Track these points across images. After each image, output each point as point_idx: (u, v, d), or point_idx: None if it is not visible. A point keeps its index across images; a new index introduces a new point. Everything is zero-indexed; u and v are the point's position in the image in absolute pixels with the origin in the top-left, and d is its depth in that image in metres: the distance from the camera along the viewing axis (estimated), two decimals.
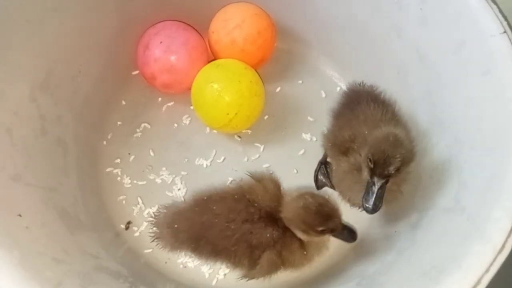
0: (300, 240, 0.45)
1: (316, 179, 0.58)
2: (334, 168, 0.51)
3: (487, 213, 0.38)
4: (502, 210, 0.38)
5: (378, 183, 0.43)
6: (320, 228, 0.42)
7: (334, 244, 0.54)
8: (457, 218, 0.42)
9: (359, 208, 0.49)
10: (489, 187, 0.40)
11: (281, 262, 0.45)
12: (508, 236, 0.36)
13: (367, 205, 0.43)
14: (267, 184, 0.47)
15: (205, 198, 0.48)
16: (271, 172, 0.49)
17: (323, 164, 0.58)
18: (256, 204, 0.45)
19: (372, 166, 0.43)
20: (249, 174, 0.49)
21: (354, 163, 0.47)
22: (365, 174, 0.44)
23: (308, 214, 0.42)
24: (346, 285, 0.48)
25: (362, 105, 0.51)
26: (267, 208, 0.45)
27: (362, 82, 0.57)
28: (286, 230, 0.44)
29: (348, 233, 0.44)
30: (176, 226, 0.47)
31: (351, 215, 0.54)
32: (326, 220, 0.42)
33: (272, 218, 0.45)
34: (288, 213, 0.43)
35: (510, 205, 0.38)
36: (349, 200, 0.50)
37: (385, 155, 0.42)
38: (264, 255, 0.44)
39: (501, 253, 0.36)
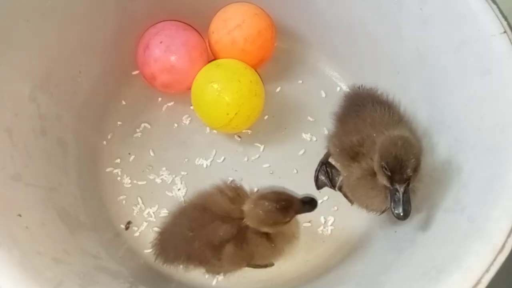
0: (266, 233, 0.47)
1: (316, 179, 0.58)
2: (345, 175, 0.51)
3: (487, 213, 0.38)
4: (502, 210, 0.38)
5: (401, 189, 0.43)
6: (286, 220, 0.45)
7: (334, 244, 0.54)
8: (457, 218, 0.42)
9: (377, 213, 0.49)
10: (489, 187, 0.40)
11: (247, 255, 0.47)
12: (508, 236, 0.36)
13: (398, 213, 0.43)
14: (226, 191, 0.49)
15: (177, 214, 0.51)
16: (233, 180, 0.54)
17: (324, 164, 0.58)
18: (210, 211, 0.47)
19: (389, 174, 0.43)
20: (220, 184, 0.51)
21: (367, 168, 0.47)
22: (384, 182, 0.44)
23: (272, 216, 0.44)
24: (346, 285, 0.48)
25: (367, 108, 0.51)
26: (223, 213, 0.47)
27: (362, 85, 0.56)
28: (246, 226, 0.46)
29: (309, 206, 0.46)
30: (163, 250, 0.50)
31: (350, 215, 0.54)
32: (288, 212, 0.44)
33: (228, 218, 0.47)
34: (252, 221, 0.45)
35: (510, 205, 0.38)
36: (366, 207, 0.49)
37: (399, 160, 0.42)
38: (225, 248, 0.46)
39: (501, 253, 0.36)
